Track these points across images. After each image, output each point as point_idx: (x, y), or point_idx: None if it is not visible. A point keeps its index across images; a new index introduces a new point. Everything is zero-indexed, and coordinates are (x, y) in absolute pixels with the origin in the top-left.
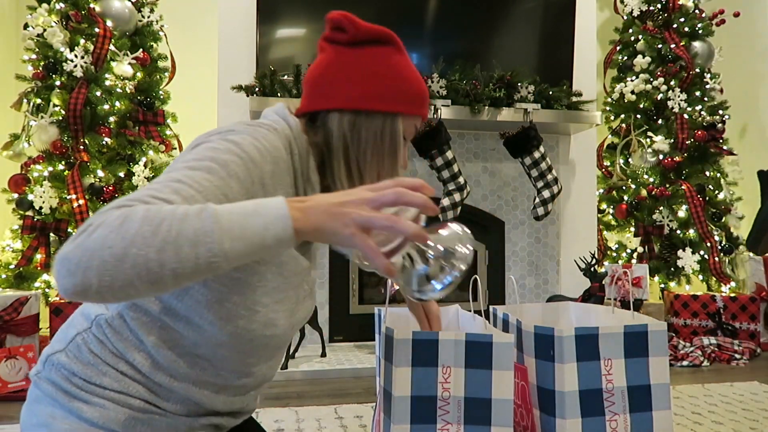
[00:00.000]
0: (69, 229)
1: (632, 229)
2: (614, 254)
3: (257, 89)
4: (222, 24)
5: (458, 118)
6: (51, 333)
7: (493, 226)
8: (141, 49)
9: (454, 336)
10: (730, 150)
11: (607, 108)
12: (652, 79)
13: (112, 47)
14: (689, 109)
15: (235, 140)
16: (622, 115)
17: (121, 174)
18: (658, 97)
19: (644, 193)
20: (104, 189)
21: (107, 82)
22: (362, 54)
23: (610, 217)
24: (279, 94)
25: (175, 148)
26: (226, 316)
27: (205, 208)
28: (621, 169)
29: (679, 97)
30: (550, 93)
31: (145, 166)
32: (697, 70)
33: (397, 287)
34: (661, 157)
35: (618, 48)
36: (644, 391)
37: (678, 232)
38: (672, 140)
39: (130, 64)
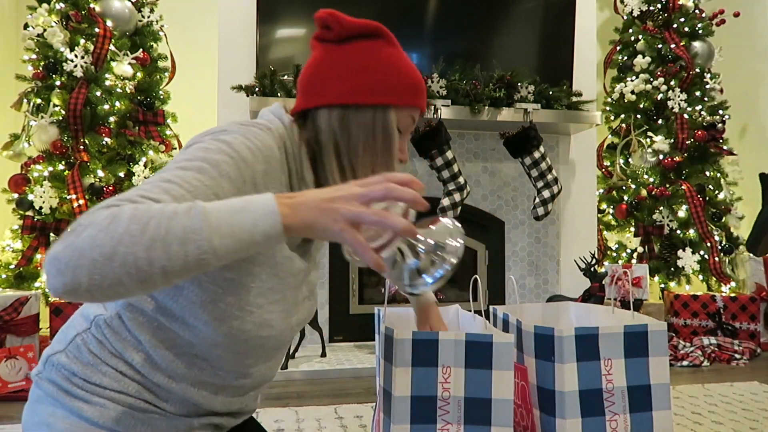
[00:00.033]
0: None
1: (632, 229)
2: (614, 254)
3: (257, 89)
4: (222, 24)
5: (458, 118)
6: (51, 333)
7: (493, 226)
8: (141, 49)
9: (454, 336)
10: (730, 150)
11: (607, 108)
12: (652, 79)
13: (112, 47)
14: (689, 109)
15: (226, 140)
16: (622, 115)
17: (121, 174)
18: (658, 97)
19: (644, 193)
20: (104, 189)
21: (107, 82)
22: (350, 49)
23: (610, 217)
24: (279, 94)
25: (175, 148)
26: (220, 316)
27: (194, 206)
28: (621, 169)
29: (679, 97)
30: (550, 93)
31: (145, 166)
32: (697, 70)
33: (397, 287)
34: (661, 157)
35: (618, 48)
36: (644, 391)
37: (678, 232)
38: (672, 140)
39: (130, 64)
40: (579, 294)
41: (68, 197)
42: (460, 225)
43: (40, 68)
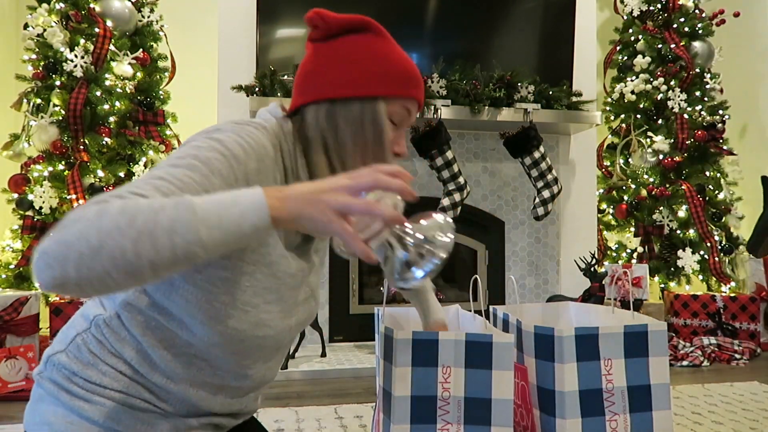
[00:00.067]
0: None
1: (632, 229)
2: (614, 254)
3: (257, 89)
4: (222, 24)
5: (458, 118)
6: (51, 333)
7: (493, 226)
8: (141, 49)
9: (454, 336)
10: (730, 150)
11: (607, 108)
12: (652, 79)
13: (112, 47)
14: (689, 109)
15: (219, 138)
16: (622, 115)
17: (121, 174)
18: (658, 97)
19: (644, 193)
20: (104, 189)
21: (107, 82)
22: (337, 45)
23: (610, 217)
24: (279, 94)
25: (175, 148)
26: (216, 315)
27: (182, 200)
28: (621, 169)
29: (679, 97)
30: (550, 93)
31: (145, 166)
32: (697, 70)
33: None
34: (661, 157)
35: (618, 48)
36: (644, 391)
37: (678, 232)
38: (672, 140)
39: (130, 64)
40: (579, 294)
41: (68, 197)
42: (452, 221)
43: (40, 68)
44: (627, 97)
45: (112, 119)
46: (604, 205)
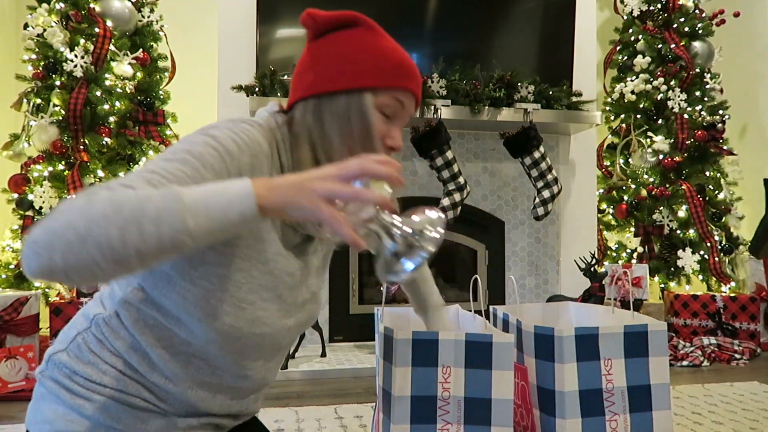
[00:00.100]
0: None
1: (632, 229)
2: (614, 254)
3: (257, 89)
4: (222, 24)
5: (458, 118)
6: (51, 333)
7: (493, 226)
8: (141, 49)
9: (454, 336)
10: (730, 150)
11: (607, 108)
12: (652, 79)
13: (112, 47)
14: (689, 109)
15: (213, 134)
16: (622, 115)
17: (121, 174)
18: (658, 97)
19: (644, 193)
20: None
21: (107, 82)
22: (327, 41)
23: (610, 217)
24: (279, 94)
25: None
26: (212, 312)
27: (169, 189)
28: (621, 169)
29: (679, 97)
30: (550, 93)
31: None
32: (697, 70)
33: (396, 287)
34: (661, 157)
35: (618, 48)
36: (644, 391)
37: (678, 232)
38: (672, 140)
39: (130, 64)
40: (579, 294)
41: (68, 197)
42: (444, 216)
43: (40, 68)
44: (627, 97)
45: (112, 119)
46: (604, 205)
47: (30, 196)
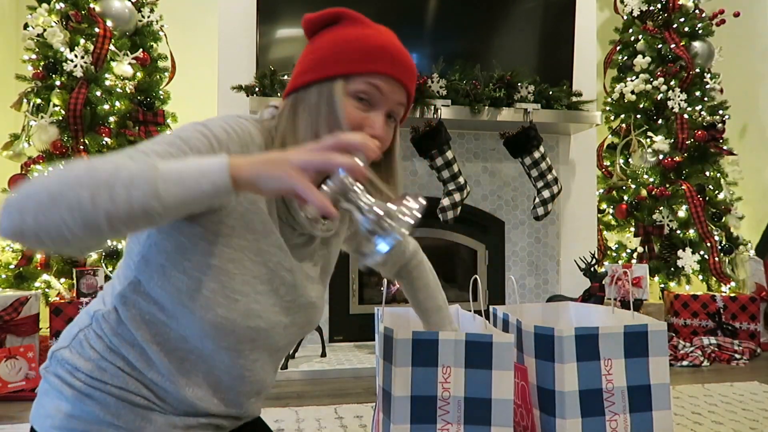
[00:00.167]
0: None
1: (632, 229)
2: (614, 254)
3: (257, 89)
4: (222, 24)
5: (458, 118)
6: (51, 333)
7: (493, 226)
8: (141, 49)
9: (454, 336)
10: (730, 150)
11: (607, 108)
12: (652, 79)
13: (112, 47)
14: (689, 109)
15: (204, 123)
16: (622, 115)
17: None
18: (658, 97)
19: (644, 193)
20: None
21: (107, 82)
22: (314, 41)
23: (610, 217)
24: (279, 94)
25: None
26: (206, 304)
27: (147, 159)
28: (621, 169)
29: (679, 97)
30: (550, 93)
31: None
32: (697, 70)
33: (396, 287)
34: (661, 157)
35: (618, 48)
36: (644, 391)
37: (678, 232)
38: (672, 140)
39: (130, 64)
40: (579, 294)
41: None
42: (421, 204)
43: (40, 68)
44: (627, 97)
45: (112, 119)
46: (604, 205)
47: None
